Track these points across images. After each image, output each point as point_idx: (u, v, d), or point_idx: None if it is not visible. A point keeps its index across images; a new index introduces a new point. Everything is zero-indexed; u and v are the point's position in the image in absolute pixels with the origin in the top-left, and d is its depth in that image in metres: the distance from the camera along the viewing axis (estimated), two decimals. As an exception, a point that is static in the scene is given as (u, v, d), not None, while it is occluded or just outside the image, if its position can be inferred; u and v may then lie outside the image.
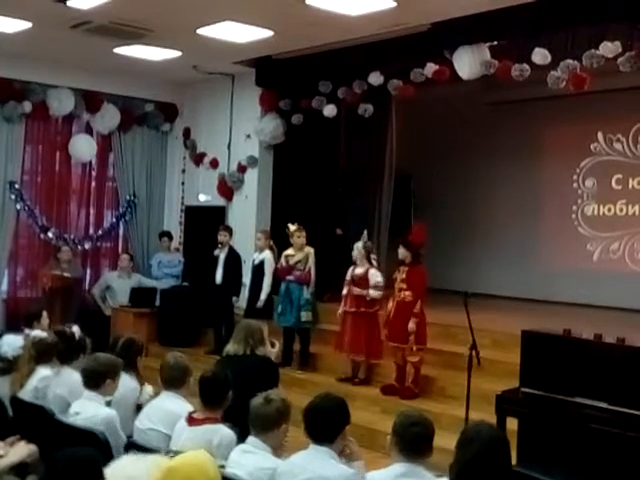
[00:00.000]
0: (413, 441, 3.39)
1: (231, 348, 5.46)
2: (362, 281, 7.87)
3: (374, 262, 8.03)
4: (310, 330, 8.67)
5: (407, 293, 7.46)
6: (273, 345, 5.88)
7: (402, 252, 7.61)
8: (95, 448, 3.13)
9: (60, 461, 2.69)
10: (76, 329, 6.10)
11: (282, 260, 8.68)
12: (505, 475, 2.93)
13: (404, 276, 7.51)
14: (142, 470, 2.73)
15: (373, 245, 8.58)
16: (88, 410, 4.44)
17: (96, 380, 4.59)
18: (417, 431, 3.41)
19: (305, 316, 8.50)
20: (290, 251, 8.67)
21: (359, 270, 7.94)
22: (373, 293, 7.82)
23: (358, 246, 8.01)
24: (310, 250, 8.63)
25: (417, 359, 7.45)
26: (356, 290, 7.89)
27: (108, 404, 4.63)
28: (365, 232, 8.21)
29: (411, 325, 7.35)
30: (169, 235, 11.19)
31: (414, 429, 3.41)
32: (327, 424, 3.58)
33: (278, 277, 8.75)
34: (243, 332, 5.50)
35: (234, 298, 9.32)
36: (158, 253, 11.11)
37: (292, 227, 8.66)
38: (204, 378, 4.32)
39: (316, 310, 8.68)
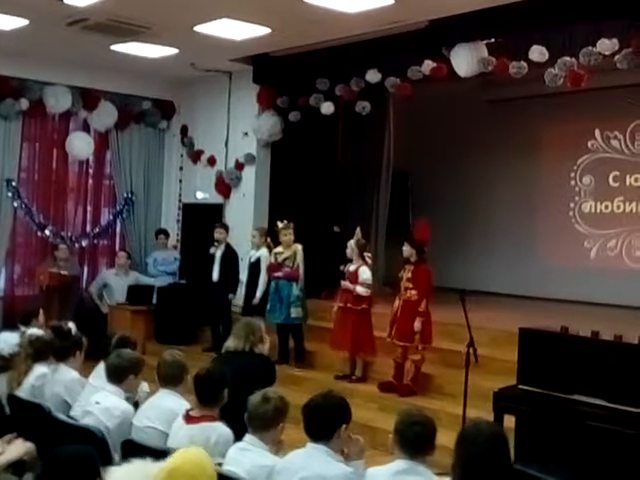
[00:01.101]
0: (414, 440, 3.39)
1: (231, 344, 5.47)
2: (353, 277, 7.91)
3: (368, 259, 8.04)
4: (302, 326, 8.68)
5: (413, 292, 7.46)
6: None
7: (407, 250, 7.60)
8: (92, 446, 3.13)
9: (57, 458, 2.69)
10: (72, 326, 6.09)
11: (271, 258, 8.73)
12: (508, 470, 2.95)
13: (410, 275, 7.51)
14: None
15: (367, 243, 8.57)
16: (109, 401, 4.51)
17: (119, 375, 4.65)
18: (418, 430, 3.40)
19: (295, 312, 8.53)
20: (279, 249, 8.73)
21: (352, 267, 7.97)
22: (360, 289, 7.82)
23: (351, 243, 8.03)
24: (298, 247, 8.67)
25: (419, 357, 7.45)
26: (344, 283, 7.92)
27: (127, 400, 4.67)
28: (358, 229, 8.20)
29: (417, 324, 7.35)
30: (165, 233, 11.18)
31: (415, 428, 3.40)
32: (324, 422, 3.56)
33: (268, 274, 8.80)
34: (245, 329, 5.52)
35: (230, 295, 9.32)
36: (154, 251, 11.11)
37: (280, 225, 8.72)
38: (199, 376, 4.32)
39: (306, 306, 8.70)
